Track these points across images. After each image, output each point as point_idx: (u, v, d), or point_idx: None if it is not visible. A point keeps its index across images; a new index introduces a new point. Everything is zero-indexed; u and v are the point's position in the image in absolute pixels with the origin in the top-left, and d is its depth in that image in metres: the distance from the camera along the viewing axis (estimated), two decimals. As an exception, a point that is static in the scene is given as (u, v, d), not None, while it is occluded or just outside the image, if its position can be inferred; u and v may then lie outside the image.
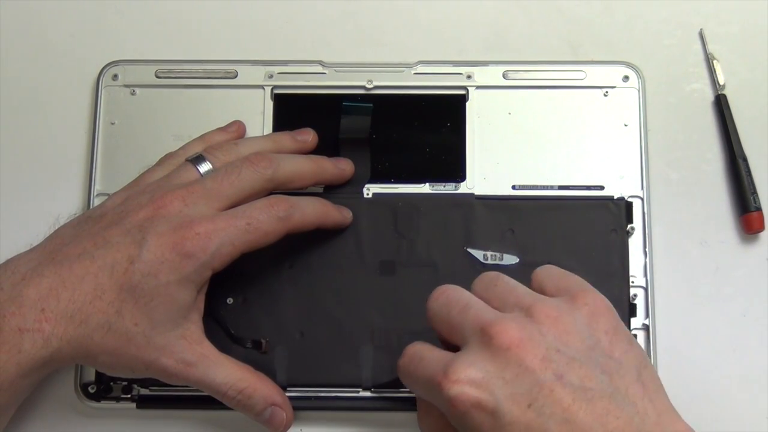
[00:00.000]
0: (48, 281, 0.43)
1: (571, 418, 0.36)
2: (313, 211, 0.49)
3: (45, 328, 0.42)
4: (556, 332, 0.38)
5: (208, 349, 0.46)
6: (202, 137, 0.52)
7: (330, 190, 0.52)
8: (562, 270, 0.43)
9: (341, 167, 0.52)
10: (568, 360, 0.38)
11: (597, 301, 0.40)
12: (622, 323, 0.41)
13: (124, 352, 0.44)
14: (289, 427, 0.48)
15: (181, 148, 0.51)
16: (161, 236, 0.44)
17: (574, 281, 0.42)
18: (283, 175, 0.48)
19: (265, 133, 0.53)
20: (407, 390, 0.48)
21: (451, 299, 0.42)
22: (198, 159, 0.48)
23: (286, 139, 0.52)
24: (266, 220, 0.46)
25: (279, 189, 0.49)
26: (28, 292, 0.43)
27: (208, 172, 0.48)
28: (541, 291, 0.42)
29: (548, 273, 0.43)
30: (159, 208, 0.45)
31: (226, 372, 0.46)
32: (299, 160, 0.50)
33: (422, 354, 0.41)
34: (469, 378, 0.38)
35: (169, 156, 0.50)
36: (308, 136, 0.52)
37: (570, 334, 0.39)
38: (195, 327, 0.46)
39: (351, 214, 0.51)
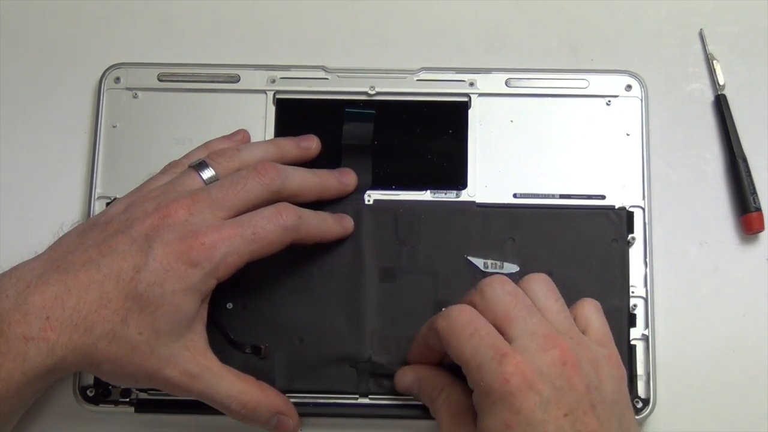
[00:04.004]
0: (53, 289, 0.43)
1: None
2: (317, 223, 0.49)
3: (50, 337, 0.42)
4: (596, 374, 0.42)
5: (212, 361, 0.46)
6: (205, 145, 0.52)
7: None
8: (604, 319, 0.46)
9: (345, 182, 0.52)
10: (600, 398, 0.41)
11: (623, 370, 0.44)
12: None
13: (127, 362, 0.44)
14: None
15: (184, 156, 0.51)
16: (167, 245, 0.44)
17: (611, 341, 0.45)
18: (290, 189, 0.48)
19: (266, 139, 0.53)
20: (405, 397, 0.49)
21: (517, 294, 0.44)
22: (201, 165, 0.48)
23: (290, 145, 0.52)
24: (273, 230, 0.46)
25: (282, 200, 0.48)
26: (33, 300, 0.43)
27: (211, 179, 0.48)
28: (584, 326, 0.45)
29: (598, 316, 0.46)
30: (165, 217, 0.45)
31: (228, 385, 0.46)
32: (306, 174, 0.50)
33: (483, 323, 0.43)
34: (531, 366, 0.41)
35: (172, 164, 0.50)
36: (312, 143, 0.52)
37: (604, 382, 0.42)
38: (199, 338, 0.46)
39: (352, 223, 0.51)
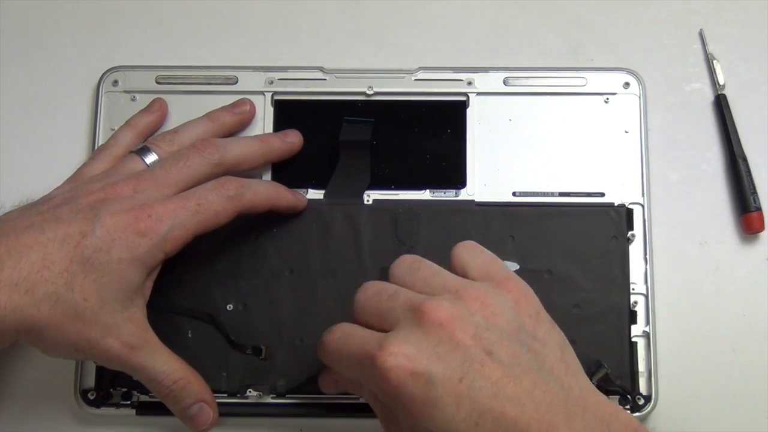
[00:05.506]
0: None
1: (500, 392, 0.38)
2: (264, 191, 0.49)
3: None
4: (485, 313, 0.40)
5: (151, 335, 0.46)
6: (128, 123, 0.52)
7: (329, 196, 0.52)
8: (484, 251, 0.44)
9: (289, 141, 0.52)
10: (496, 338, 0.39)
11: (520, 288, 0.42)
12: (544, 309, 0.42)
13: (69, 328, 0.43)
14: (211, 428, 0.48)
15: (111, 138, 0.51)
16: (115, 215, 0.44)
17: (498, 268, 0.43)
18: (231, 159, 0.49)
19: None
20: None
21: (381, 289, 0.42)
22: (142, 150, 0.49)
23: (224, 114, 0.52)
24: (216, 199, 0.46)
25: (229, 172, 0.49)
26: None
27: (154, 163, 0.48)
28: (463, 272, 0.43)
29: (471, 255, 0.44)
30: (110, 193, 0.45)
31: (164, 361, 0.46)
32: (245, 141, 0.51)
33: (354, 332, 0.42)
34: (404, 352, 0.39)
35: (102, 148, 0.51)
36: (246, 107, 0.53)
37: (497, 316, 0.40)
38: (141, 312, 0.46)
39: (306, 198, 0.51)
